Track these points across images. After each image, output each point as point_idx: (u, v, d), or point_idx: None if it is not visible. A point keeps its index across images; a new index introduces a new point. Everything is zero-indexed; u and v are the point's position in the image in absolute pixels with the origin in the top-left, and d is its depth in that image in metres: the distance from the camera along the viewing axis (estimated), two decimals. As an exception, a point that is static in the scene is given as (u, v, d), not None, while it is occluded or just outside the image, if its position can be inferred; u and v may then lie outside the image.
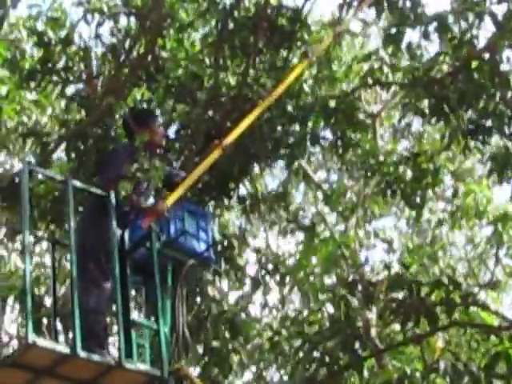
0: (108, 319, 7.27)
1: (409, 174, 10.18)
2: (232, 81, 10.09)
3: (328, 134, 10.27)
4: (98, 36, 9.79)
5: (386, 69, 9.95)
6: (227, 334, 9.98)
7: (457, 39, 9.41)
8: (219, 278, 10.61)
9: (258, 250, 12.26)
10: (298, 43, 10.00)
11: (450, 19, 9.35)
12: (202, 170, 7.44)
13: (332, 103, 9.91)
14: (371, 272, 12.96)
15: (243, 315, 11.19)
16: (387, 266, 10.61)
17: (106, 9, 9.72)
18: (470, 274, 14.33)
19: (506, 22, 9.26)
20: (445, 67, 9.59)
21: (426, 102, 9.73)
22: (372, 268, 13.21)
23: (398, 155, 10.53)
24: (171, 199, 7.17)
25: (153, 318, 6.89)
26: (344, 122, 9.85)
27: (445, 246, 14.66)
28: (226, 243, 10.50)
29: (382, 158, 10.44)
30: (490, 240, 13.46)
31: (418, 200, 10.25)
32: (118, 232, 6.86)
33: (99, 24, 9.75)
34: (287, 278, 12.74)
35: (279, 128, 9.96)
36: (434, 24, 9.35)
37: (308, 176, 12.91)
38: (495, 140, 10.28)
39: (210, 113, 10.00)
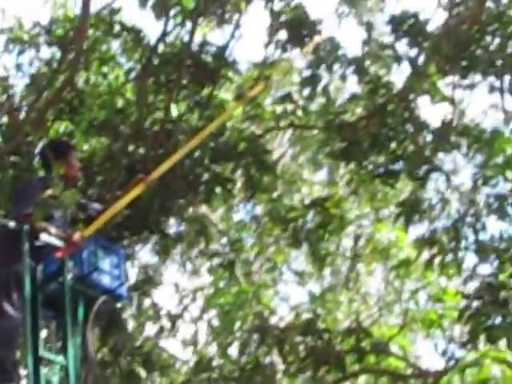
0: (17, 354, 7.10)
1: (315, 219, 10.21)
2: (155, 116, 10.12)
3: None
4: (18, 66, 9.66)
5: (299, 111, 10.03)
6: (142, 369, 9.82)
7: (373, 83, 9.49)
8: (134, 313, 10.46)
9: (175, 285, 12.16)
10: (222, 80, 10.15)
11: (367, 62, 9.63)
12: (124, 203, 7.34)
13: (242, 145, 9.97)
14: (281, 318, 12.87)
15: (159, 350, 11.03)
16: (297, 312, 10.62)
17: (27, 38, 9.60)
18: (381, 319, 14.35)
19: (422, 66, 9.44)
20: (359, 110, 9.70)
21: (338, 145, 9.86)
22: (282, 315, 13.13)
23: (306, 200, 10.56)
24: (89, 231, 7.08)
25: (62, 354, 6.75)
26: (253, 165, 9.83)
27: (359, 287, 14.68)
28: (142, 278, 10.39)
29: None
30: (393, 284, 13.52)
31: (322, 249, 10.26)
32: (31, 265, 6.68)
33: (20, 53, 9.63)
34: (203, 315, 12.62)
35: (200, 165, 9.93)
36: (352, 67, 9.53)
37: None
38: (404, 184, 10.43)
39: (132, 147, 10.00)
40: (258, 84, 8.98)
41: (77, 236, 6.93)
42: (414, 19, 10.00)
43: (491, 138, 9.81)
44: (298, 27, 9.79)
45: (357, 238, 13.90)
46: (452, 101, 9.94)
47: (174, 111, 10.06)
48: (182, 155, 7.94)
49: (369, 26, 9.83)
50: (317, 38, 9.68)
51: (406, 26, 9.98)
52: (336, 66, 9.63)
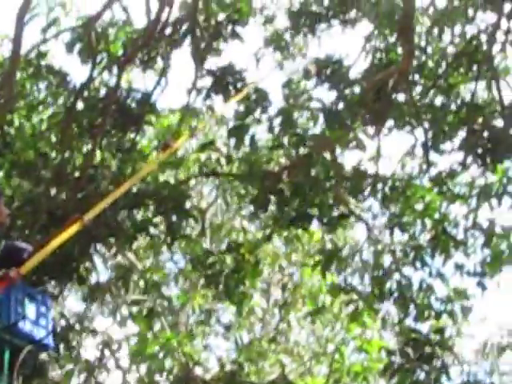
0: None
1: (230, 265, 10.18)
2: (78, 160, 10.04)
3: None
4: None
5: (223, 160, 10.06)
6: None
7: (299, 135, 9.60)
8: (57, 361, 10.23)
9: (96, 333, 11.93)
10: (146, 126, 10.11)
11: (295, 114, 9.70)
12: (59, 242, 7.13)
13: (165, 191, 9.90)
14: (207, 369, 12.79)
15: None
16: (222, 364, 10.53)
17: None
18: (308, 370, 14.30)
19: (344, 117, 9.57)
20: (283, 160, 9.76)
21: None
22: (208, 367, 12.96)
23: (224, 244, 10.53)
24: (25, 268, 6.89)
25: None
26: (174, 211, 9.79)
27: (288, 338, 14.61)
28: (65, 325, 10.19)
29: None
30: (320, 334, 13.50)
31: (239, 294, 10.22)
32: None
33: None
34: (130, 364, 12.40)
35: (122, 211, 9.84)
36: (279, 118, 9.57)
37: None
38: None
39: (54, 191, 9.88)
40: (182, 134, 8.97)
41: (13, 272, 6.75)
42: (337, 64, 10.21)
43: (407, 186, 9.92)
44: (223, 75, 9.89)
45: (284, 286, 13.88)
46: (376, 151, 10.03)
47: (97, 156, 9.93)
48: (115, 197, 7.70)
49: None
50: (244, 89, 9.70)
51: (329, 71, 10.19)
52: (263, 117, 9.67)
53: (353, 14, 11.15)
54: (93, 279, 10.82)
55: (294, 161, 9.86)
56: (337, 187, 9.78)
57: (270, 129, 9.69)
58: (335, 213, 9.72)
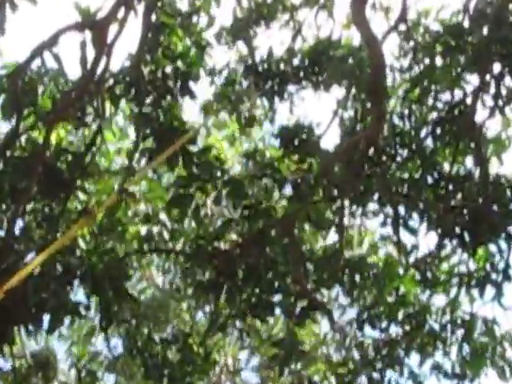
0: None
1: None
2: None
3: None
4: None
5: (166, 234, 8.73)
6: None
7: (252, 207, 8.31)
8: None
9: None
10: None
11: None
12: None
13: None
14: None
15: None
16: None
17: None
18: None
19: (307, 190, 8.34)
20: (234, 236, 8.45)
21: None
22: None
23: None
24: None
25: None
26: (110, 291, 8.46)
27: None
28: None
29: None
30: None
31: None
32: None
33: None
34: None
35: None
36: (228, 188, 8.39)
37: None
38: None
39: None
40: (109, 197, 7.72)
41: None
42: (306, 133, 9.26)
43: (381, 273, 8.65)
44: (168, 135, 8.63)
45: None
46: (340, 229, 8.75)
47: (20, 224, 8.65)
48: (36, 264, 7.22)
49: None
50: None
51: (297, 140, 9.22)
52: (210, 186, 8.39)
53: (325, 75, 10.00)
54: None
55: (246, 238, 8.52)
56: (297, 272, 8.46)
57: (217, 199, 8.37)
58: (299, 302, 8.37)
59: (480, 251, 8.52)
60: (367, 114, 9.01)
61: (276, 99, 10.34)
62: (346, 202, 8.81)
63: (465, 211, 8.48)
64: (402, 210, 8.66)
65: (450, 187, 8.56)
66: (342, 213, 8.78)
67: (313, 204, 8.59)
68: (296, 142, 9.22)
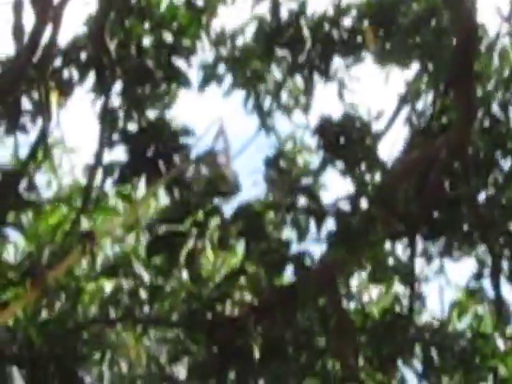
0: None
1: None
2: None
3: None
4: None
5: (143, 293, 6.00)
6: None
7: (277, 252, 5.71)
8: None
9: None
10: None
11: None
12: None
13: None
14: None
15: None
16: None
17: None
18: None
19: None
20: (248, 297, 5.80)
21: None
22: None
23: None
24: None
25: None
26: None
27: None
28: None
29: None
30: None
31: None
32: None
33: None
34: None
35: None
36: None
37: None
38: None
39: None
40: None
41: None
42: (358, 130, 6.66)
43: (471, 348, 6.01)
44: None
45: None
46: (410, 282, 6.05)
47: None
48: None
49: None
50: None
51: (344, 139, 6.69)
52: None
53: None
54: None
55: (266, 299, 5.71)
56: (342, 347, 5.71)
57: (223, 241, 5.60)
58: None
59: None
60: (450, 105, 6.12)
61: (316, 78, 7.35)
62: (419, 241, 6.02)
63: None
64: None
65: None
66: (412, 257, 5.97)
67: (368, 246, 5.74)
68: (342, 142, 6.58)
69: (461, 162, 5.95)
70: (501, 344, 6.16)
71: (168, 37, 6.09)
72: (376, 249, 6.05)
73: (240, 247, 5.95)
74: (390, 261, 6.18)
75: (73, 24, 6.14)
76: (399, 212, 5.92)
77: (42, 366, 6.10)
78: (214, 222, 5.79)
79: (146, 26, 6.18)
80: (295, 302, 5.96)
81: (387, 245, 6.09)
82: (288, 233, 5.95)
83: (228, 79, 7.12)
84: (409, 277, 6.20)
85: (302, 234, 5.77)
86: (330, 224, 5.95)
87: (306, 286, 5.89)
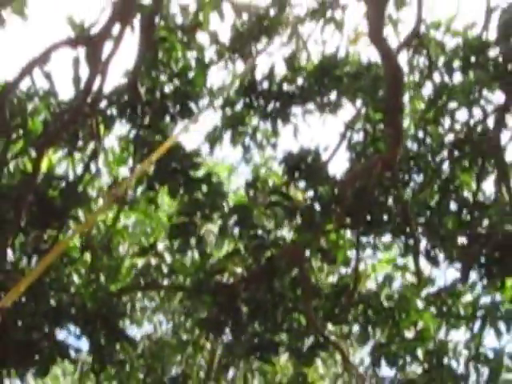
0: None
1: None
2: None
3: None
4: None
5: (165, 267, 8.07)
6: None
7: (259, 238, 7.75)
8: None
9: None
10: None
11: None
12: None
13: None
14: None
15: None
16: None
17: None
18: None
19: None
20: (239, 270, 7.81)
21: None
22: None
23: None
24: None
25: None
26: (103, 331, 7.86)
27: None
28: None
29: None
30: None
31: None
32: None
33: None
34: None
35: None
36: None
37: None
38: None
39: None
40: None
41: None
42: (312, 158, 8.58)
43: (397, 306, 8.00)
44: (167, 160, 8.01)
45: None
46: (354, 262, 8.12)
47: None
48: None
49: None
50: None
51: (303, 165, 8.57)
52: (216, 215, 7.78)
53: (333, 95, 9.34)
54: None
55: (252, 271, 7.86)
56: (307, 307, 7.81)
57: (223, 229, 7.73)
58: (308, 340, 7.71)
59: (508, 284, 7.89)
60: (379, 135, 8.35)
61: (279, 122, 9.69)
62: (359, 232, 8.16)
63: (490, 239, 7.86)
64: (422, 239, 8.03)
65: (475, 214, 7.94)
66: (355, 243, 8.14)
67: (324, 233, 7.92)
68: (302, 167, 8.59)
69: (391, 173, 8.13)
70: (419, 304, 8.32)
71: (182, 86, 8.29)
72: (330, 236, 8.20)
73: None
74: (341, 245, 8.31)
75: (115, 75, 8.32)
76: (347, 210, 8.05)
77: (92, 321, 8.11)
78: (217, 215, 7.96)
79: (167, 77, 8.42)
80: (273, 273, 8.07)
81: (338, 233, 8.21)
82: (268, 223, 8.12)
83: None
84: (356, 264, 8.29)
85: (278, 224, 7.97)
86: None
87: (280, 262, 8.00)
